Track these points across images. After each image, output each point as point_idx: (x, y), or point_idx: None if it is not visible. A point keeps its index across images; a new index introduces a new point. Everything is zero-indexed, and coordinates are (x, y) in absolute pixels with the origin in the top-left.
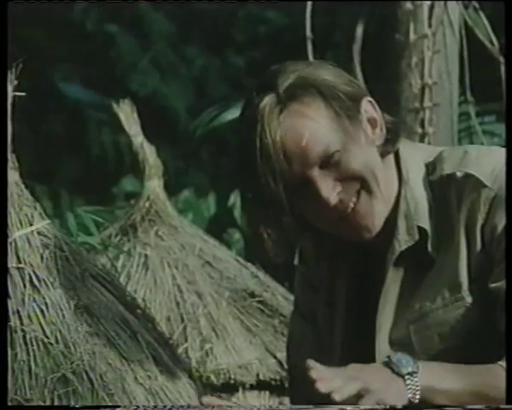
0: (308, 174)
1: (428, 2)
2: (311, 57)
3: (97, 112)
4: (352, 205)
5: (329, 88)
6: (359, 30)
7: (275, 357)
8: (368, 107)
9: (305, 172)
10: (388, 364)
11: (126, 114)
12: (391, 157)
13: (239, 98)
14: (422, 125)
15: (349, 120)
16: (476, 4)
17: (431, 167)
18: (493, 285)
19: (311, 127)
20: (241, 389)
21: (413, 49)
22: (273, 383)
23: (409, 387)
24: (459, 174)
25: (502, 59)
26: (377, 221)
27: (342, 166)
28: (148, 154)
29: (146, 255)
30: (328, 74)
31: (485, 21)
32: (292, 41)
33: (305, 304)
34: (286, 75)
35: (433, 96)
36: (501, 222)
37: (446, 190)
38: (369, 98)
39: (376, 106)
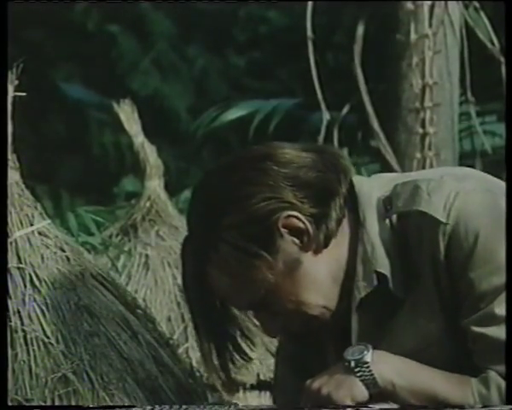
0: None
1: (429, 2)
2: (311, 57)
3: (98, 112)
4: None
5: (229, 243)
6: (360, 30)
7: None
8: (288, 222)
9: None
10: (343, 361)
11: (127, 114)
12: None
13: (240, 98)
14: (423, 125)
15: (260, 260)
16: (477, 4)
17: (387, 203)
18: (465, 321)
19: (227, 285)
20: (241, 389)
21: (414, 50)
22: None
23: (362, 378)
24: (412, 212)
25: (502, 59)
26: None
27: (271, 307)
28: (149, 154)
29: (147, 255)
30: (236, 217)
31: (486, 21)
32: (293, 41)
33: (288, 350)
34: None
35: (433, 96)
36: (462, 255)
37: (404, 228)
38: (288, 213)
39: (300, 214)
